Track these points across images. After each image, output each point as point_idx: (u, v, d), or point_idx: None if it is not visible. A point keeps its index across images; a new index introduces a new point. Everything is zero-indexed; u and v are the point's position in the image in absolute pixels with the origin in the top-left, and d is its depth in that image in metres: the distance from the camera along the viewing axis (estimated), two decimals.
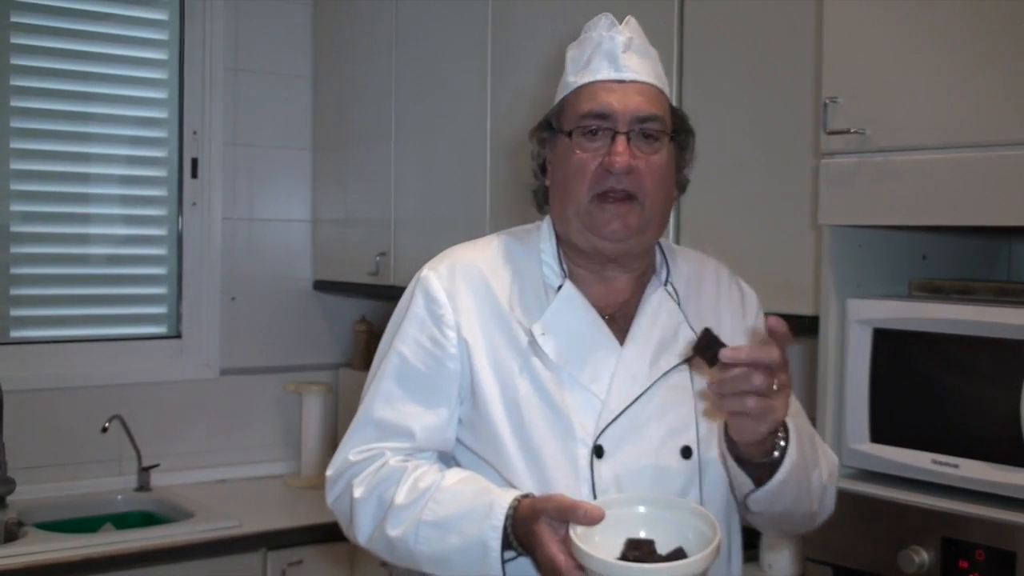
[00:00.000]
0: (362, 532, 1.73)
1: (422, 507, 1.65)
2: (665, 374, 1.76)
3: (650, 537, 1.55)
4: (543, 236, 1.86)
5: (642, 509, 1.59)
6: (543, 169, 1.87)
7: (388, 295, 3.86)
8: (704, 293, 1.88)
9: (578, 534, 1.50)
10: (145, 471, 3.73)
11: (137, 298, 3.95)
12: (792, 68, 2.42)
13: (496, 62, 3.28)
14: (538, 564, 1.56)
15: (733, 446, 1.63)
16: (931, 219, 1.95)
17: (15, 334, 3.72)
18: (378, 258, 3.73)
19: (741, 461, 1.64)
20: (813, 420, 2.13)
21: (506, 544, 1.58)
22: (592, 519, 1.52)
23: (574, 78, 1.81)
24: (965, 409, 1.91)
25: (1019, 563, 1.77)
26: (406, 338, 1.80)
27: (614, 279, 1.82)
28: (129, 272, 3.93)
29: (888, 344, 2.01)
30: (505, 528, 1.58)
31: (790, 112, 2.42)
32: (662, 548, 1.53)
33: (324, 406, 4.03)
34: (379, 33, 3.78)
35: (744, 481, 1.67)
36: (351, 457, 1.75)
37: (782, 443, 1.61)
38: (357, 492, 1.72)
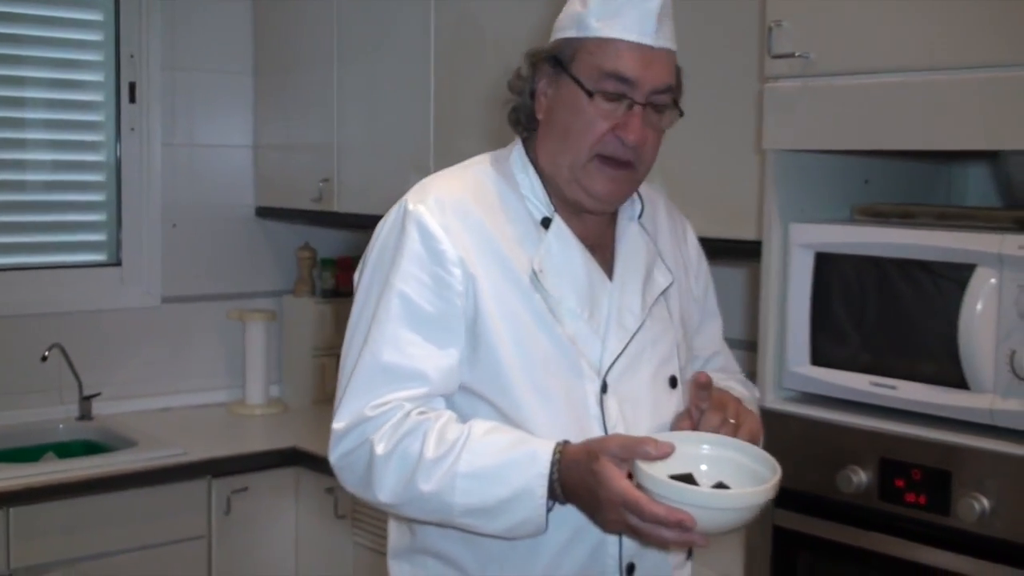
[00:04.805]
0: (384, 489, 1.62)
1: (455, 459, 1.58)
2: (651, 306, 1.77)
3: (712, 475, 1.55)
4: (517, 166, 1.78)
5: (706, 448, 1.59)
6: (530, 93, 1.76)
7: (332, 221, 3.83)
8: (661, 227, 1.88)
9: (642, 469, 1.47)
10: (87, 400, 3.70)
11: (75, 225, 3.88)
12: None
13: None
14: (598, 504, 1.51)
15: None
16: (873, 143, 1.96)
17: None
18: (321, 184, 3.69)
19: None
20: (754, 344, 2.15)
21: (549, 493, 1.55)
22: (663, 452, 1.49)
23: (598, 23, 1.67)
24: (904, 332, 1.93)
25: (954, 482, 1.81)
26: (407, 277, 1.67)
27: (589, 217, 1.77)
28: (67, 199, 3.85)
29: (829, 268, 2.03)
30: (551, 475, 1.54)
31: (735, 36, 2.41)
32: (707, 484, 1.52)
33: (268, 333, 4.00)
34: None
35: None
36: (367, 412, 1.64)
37: None
38: (380, 448, 1.61)
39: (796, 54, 2.00)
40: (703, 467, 1.57)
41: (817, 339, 2.05)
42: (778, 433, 2.03)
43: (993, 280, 1.79)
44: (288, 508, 3.56)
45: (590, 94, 1.67)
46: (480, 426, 1.62)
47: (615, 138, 1.67)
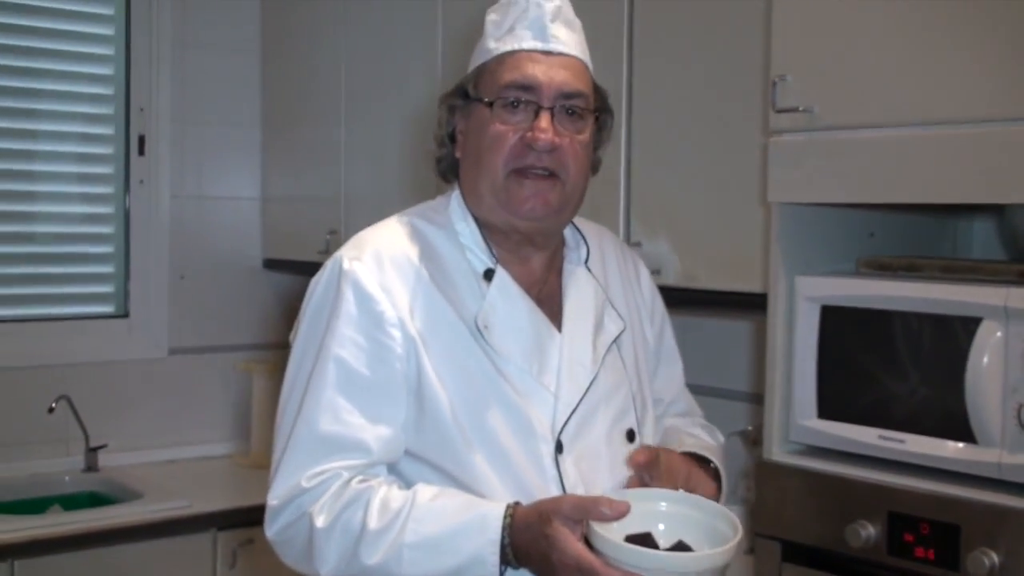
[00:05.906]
0: (326, 564, 1.56)
1: (400, 529, 1.52)
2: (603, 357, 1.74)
3: (671, 534, 1.51)
4: (455, 216, 1.75)
5: (664, 505, 1.55)
6: (452, 138, 1.76)
7: None
8: (610, 269, 1.85)
9: (597, 532, 1.44)
10: (93, 451, 3.69)
11: (84, 277, 3.90)
12: (742, 46, 2.42)
13: (446, 40, 3.26)
14: (552, 569, 1.46)
15: None
16: (878, 197, 1.96)
17: None
18: (328, 236, 3.71)
19: None
20: (761, 397, 2.14)
21: (501, 558, 1.50)
22: (619, 512, 1.45)
23: (495, 44, 1.70)
24: (911, 385, 1.93)
25: (963, 536, 1.79)
26: (343, 340, 1.61)
27: (530, 259, 1.74)
28: (76, 251, 3.87)
29: (836, 321, 2.03)
30: (502, 540, 1.49)
31: (740, 90, 2.43)
32: (666, 543, 1.49)
33: (274, 385, 3.98)
34: (328, 8, 3.75)
35: None
36: (304, 483, 1.57)
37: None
38: (319, 521, 1.55)
39: (800, 108, 2.01)
40: (661, 526, 1.52)
41: (824, 392, 2.04)
42: (785, 487, 2.03)
43: (999, 333, 1.79)
44: None
45: (491, 105, 1.66)
46: (425, 492, 1.56)
47: (526, 148, 1.65)
